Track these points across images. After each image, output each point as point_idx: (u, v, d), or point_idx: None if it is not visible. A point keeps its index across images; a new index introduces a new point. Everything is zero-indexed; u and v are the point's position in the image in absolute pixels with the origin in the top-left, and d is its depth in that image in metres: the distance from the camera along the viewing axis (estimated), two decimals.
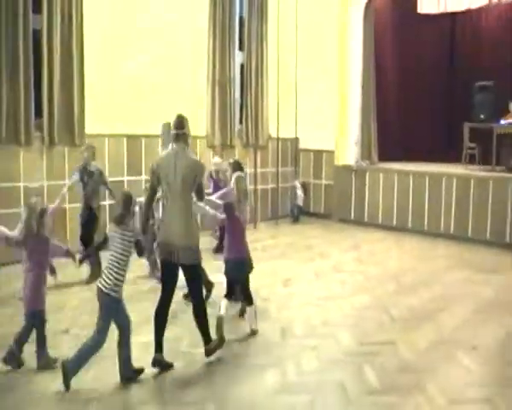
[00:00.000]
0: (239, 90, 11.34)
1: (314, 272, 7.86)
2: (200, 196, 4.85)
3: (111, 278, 4.27)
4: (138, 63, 9.14)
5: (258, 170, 11.21)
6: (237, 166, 6.16)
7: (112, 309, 4.32)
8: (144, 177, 8.87)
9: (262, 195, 11.43)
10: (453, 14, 12.68)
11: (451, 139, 12.53)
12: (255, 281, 5.97)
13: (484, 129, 11.08)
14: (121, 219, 4.36)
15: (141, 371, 4.52)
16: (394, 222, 10.82)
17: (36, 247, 4.64)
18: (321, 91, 11.68)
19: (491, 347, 5.37)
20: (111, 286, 4.27)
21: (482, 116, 11.20)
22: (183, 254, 4.60)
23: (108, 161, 8.72)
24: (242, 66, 11.28)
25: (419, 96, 12.82)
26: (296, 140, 12.19)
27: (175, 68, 9.71)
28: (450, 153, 12.19)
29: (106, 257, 4.46)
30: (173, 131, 4.73)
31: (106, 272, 4.33)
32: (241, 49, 11.22)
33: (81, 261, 5.75)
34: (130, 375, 4.43)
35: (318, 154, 11.98)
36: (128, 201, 4.41)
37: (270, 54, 11.39)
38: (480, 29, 13.19)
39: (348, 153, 11.73)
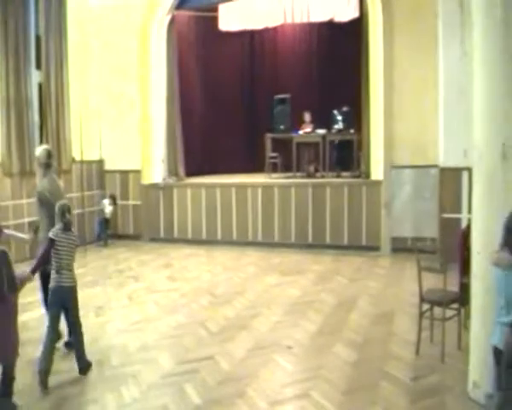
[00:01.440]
0: (38, 112, 10.53)
1: (127, 296, 7.59)
2: None
3: (71, 274, 4.91)
4: None
5: None
6: None
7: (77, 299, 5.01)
8: None
9: None
10: (252, 31, 13.42)
11: (255, 150, 13.04)
12: None
13: (284, 139, 11.78)
14: (69, 226, 4.92)
15: None
16: (204, 236, 10.94)
17: None
18: (124, 110, 11.43)
19: (305, 344, 5.63)
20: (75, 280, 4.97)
21: (282, 127, 11.85)
22: None
23: None
24: (41, 86, 10.53)
25: (223, 111, 13.21)
26: (101, 162, 11.75)
27: None
28: (254, 163, 12.72)
29: None
30: None
31: (65, 271, 4.85)
32: (38, 68, 10.45)
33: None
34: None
35: (125, 174, 11.68)
36: (69, 209, 4.96)
37: (72, 73, 10.83)
38: (278, 46, 14.00)
39: (155, 171, 11.62)
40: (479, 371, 4.28)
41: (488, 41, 4.20)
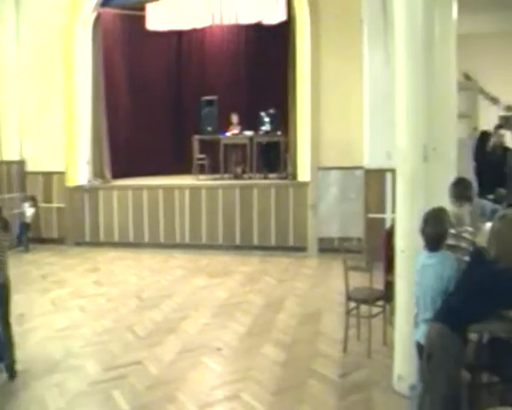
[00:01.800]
0: None
1: (51, 302, 7.32)
2: None
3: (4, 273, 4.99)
4: None
5: None
6: None
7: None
8: None
9: None
10: (180, 31, 13.29)
11: (182, 152, 12.91)
12: None
13: (211, 140, 11.75)
14: (7, 226, 5.16)
15: None
16: (131, 239, 10.73)
17: None
18: (48, 110, 11.01)
19: (234, 345, 5.63)
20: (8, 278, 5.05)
21: (209, 129, 11.80)
22: None
23: None
24: None
25: (150, 112, 12.99)
26: (22, 163, 11.27)
27: None
28: (181, 165, 12.60)
29: None
30: None
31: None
32: None
33: None
34: None
35: (48, 176, 11.24)
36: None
37: None
38: (205, 47, 13.90)
39: (80, 173, 11.28)
40: (403, 365, 4.43)
41: (410, 47, 4.37)
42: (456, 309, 3.31)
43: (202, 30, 13.25)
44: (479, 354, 3.81)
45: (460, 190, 4.02)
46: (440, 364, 3.22)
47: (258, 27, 12.45)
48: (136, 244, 10.60)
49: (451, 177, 4.19)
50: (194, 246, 10.25)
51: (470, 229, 3.96)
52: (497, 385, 3.96)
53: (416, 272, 3.74)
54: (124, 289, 7.84)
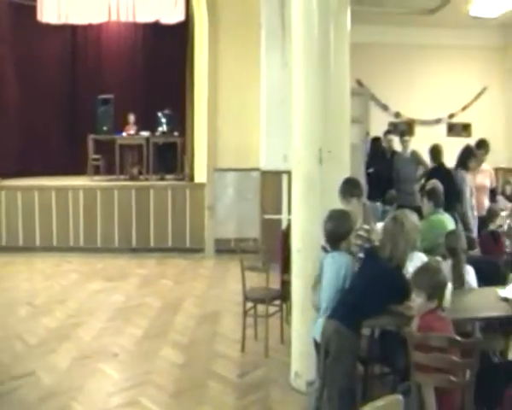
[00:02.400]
0: None
1: None
2: None
3: None
4: None
5: None
6: None
7: None
8: None
9: None
10: (75, 26, 12.66)
11: (77, 151, 12.39)
12: None
13: (107, 140, 11.41)
14: None
15: None
16: (21, 242, 10.18)
17: None
18: None
19: (131, 350, 5.53)
20: None
21: (105, 128, 11.45)
22: None
23: None
24: None
25: (43, 110, 12.37)
26: None
27: None
28: (75, 165, 12.11)
29: None
30: None
31: None
32: None
33: None
34: None
35: None
36: None
37: None
38: (102, 44, 13.46)
39: None
40: (300, 362, 4.55)
41: (306, 54, 4.51)
42: (351, 306, 3.46)
43: (99, 26, 12.76)
44: (371, 348, 4.02)
45: (347, 187, 4.19)
46: (337, 359, 3.35)
47: (156, 26, 12.24)
48: (27, 248, 10.05)
49: None
50: (89, 249, 9.91)
51: (366, 226, 4.14)
52: (389, 376, 4.19)
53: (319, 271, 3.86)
54: (13, 296, 7.41)
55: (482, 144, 7.24)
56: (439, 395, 3.04)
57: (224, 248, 9.43)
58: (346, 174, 4.47)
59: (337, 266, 3.68)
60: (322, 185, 4.35)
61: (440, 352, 3.00)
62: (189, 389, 4.67)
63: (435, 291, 3.14)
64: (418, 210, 5.61)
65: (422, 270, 3.29)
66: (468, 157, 6.74)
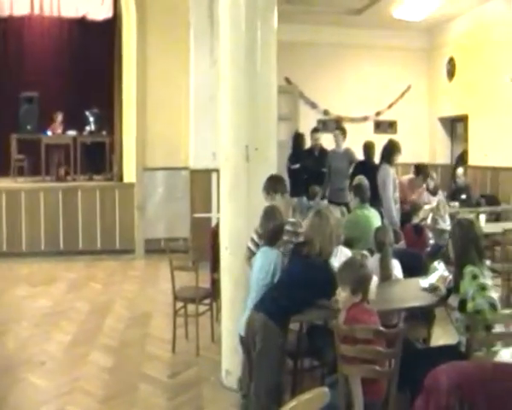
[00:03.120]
0: None
1: None
2: None
3: None
4: None
5: None
6: None
7: None
8: None
9: None
10: None
11: None
12: None
13: (32, 140, 10.96)
14: None
15: None
16: None
17: None
18: None
19: (59, 357, 5.35)
20: None
21: (29, 127, 10.99)
22: None
23: None
24: None
25: None
26: None
27: None
28: None
29: None
30: None
31: None
32: None
33: None
34: None
35: None
36: None
37: None
38: (25, 38, 12.88)
39: None
40: (230, 360, 4.54)
41: (233, 52, 4.50)
42: (279, 302, 3.46)
43: (21, 19, 12.15)
44: (300, 342, 4.06)
45: (270, 183, 4.20)
46: (264, 355, 3.35)
47: (82, 22, 11.89)
48: None
49: None
50: (14, 254, 9.49)
51: (293, 220, 4.16)
52: (318, 369, 4.25)
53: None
54: None
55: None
56: (365, 385, 3.10)
57: (155, 249, 9.29)
58: (273, 171, 4.50)
59: (267, 262, 3.68)
60: (249, 183, 4.36)
61: (366, 343, 3.07)
62: (118, 393, 4.57)
63: (359, 285, 3.20)
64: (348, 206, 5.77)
65: (347, 265, 3.35)
66: (392, 151, 6.90)
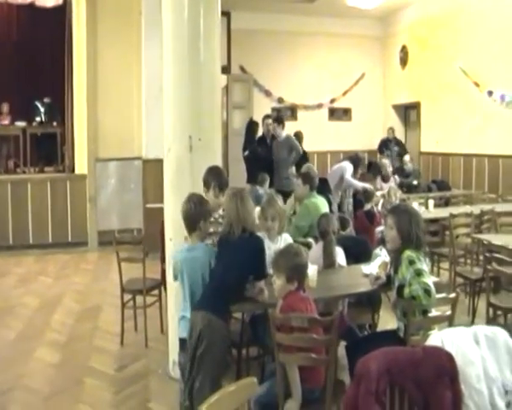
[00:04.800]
0: None
1: None
2: None
3: None
4: None
5: None
6: None
7: None
8: None
9: None
10: None
11: None
12: None
13: None
14: None
15: None
16: None
17: None
18: None
19: (2, 354, 5.20)
20: None
21: None
22: None
23: None
24: None
25: None
26: None
27: None
28: None
29: None
30: None
31: None
32: None
33: None
34: None
35: None
36: None
37: None
38: None
39: None
40: (177, 351, 4.49)
41: (176, 40, 4.44)
42: (216, 292, 3.41)
43: None
44: (243, 332, 4.05)
45: (205, 175, 4.08)
46: (209, 352, 3.28)
47: (31, 9, 11.52)
48: None
49: None
50: None
51: (220, 212, 4.08)
52: (262, 357, 4.27)
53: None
54: None
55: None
56: (303, 372, 3.11)
57: (108, 240, 9.07)
58: (218, 161, 4.46)
59: (198, 264, 3.56)
60: (193, 173, 4.31)
61: (302, 331, 3.07)
62: (64, 388, 4.49)
63: (294, 273, 3.18)
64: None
65: (282, 253, 3.33)
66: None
